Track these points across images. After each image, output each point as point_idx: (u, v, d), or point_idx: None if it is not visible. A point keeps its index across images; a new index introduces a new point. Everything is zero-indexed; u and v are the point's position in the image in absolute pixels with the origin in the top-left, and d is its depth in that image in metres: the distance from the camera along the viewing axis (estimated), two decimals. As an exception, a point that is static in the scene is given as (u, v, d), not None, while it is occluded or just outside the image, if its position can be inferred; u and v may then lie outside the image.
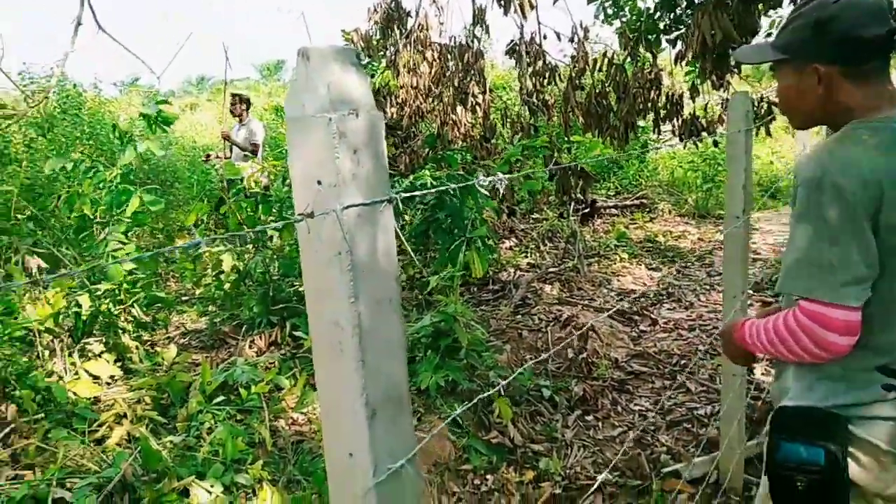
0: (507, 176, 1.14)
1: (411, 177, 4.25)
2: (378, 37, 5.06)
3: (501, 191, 1.07)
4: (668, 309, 5.20)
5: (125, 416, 3.02)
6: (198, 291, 4.78)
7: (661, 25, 4.00)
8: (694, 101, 4.26)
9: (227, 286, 4.64)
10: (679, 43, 3.68)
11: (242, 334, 4.22)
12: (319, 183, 0.74)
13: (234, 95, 6.90)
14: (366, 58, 5.27)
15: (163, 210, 4.16)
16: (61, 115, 7.09)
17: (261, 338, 4.12)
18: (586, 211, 7.70)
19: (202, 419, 2.78)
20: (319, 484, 2.56)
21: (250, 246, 4.79)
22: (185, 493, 2.40)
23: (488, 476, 3.04)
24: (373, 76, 5.35)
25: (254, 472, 2.52)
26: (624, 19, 4.26)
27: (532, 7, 4.00)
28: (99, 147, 7.13)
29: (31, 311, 3.26)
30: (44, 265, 3.31)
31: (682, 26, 3.89)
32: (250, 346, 4.06)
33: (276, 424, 3.08)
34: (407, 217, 4.30)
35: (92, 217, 3.53)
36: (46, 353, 3.21)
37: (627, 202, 8.58)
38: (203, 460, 2.56)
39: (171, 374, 3.30)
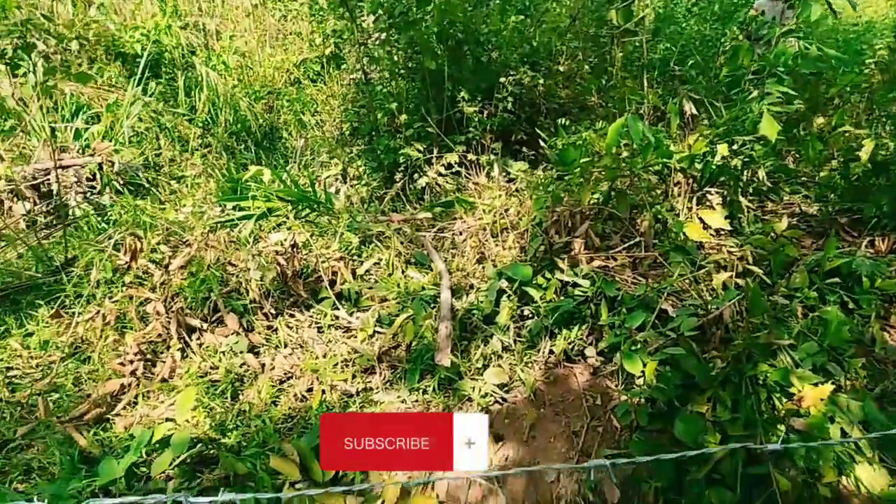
0: None
1: None
2: None
3: None
4: None
5: (726, 266, 3.17)
6: (820, 174, 4.41)
7: None
8: None
9: (854, 176, 4.14)
10: None
11: (862, 232, 3.74)
12: None
13: None
14: None
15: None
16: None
17: (883, 240, 3.57)
18: None
19: (807, 294, 2.66)
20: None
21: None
22: (773, 353, 2.40)
23: None
24: None
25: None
26: None
27: None
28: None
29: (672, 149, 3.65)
30: (694, 111, 3.59)
31: None
32: (867, 246, 3.58)
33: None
34: None
35: (747, 72, 3.56)
36: (675, 189, 3.58)
37: None
38: (797, 333, 2.48)
39: (779, 243, 3.24)
